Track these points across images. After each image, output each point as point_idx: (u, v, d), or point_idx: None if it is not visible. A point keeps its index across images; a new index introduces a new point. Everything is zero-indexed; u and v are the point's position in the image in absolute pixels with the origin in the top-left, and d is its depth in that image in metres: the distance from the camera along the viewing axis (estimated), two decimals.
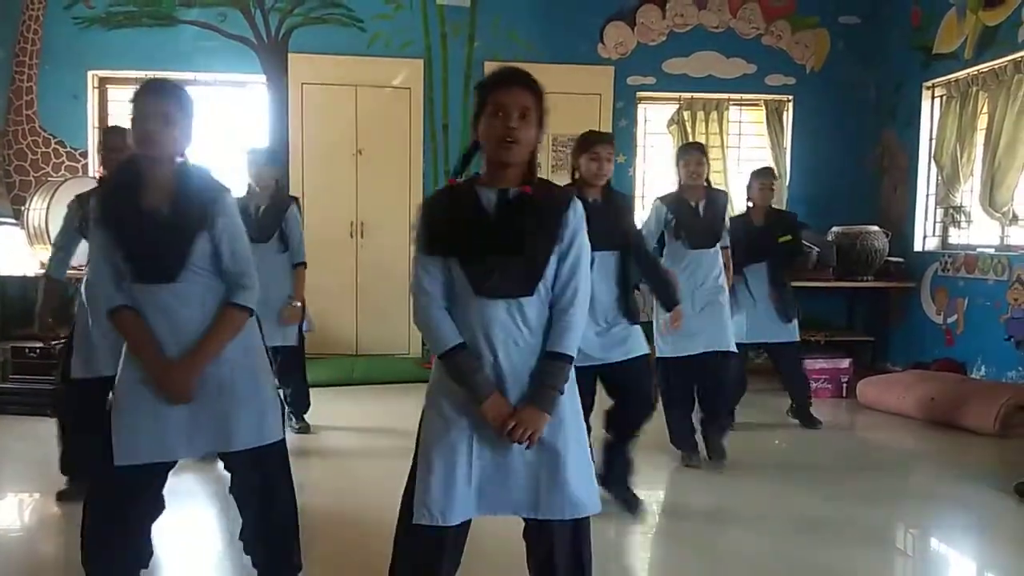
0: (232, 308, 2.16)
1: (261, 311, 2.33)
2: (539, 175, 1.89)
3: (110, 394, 2.20)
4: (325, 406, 4.95)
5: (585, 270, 1.87)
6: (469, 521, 1.88)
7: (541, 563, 1.92)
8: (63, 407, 3.48)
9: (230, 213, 2.17)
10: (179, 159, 2.16)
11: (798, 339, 4.80)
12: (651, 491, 3.58)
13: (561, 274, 1.85)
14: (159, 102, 2.08)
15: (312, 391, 4.82)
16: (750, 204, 4.73)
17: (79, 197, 3.45)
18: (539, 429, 1.79)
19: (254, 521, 2.35)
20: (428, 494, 1.80)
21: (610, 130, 6.52)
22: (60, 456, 3.49)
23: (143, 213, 2.09)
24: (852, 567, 2.89)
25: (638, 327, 3.21)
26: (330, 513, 3.36)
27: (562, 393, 1.84)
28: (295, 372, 4.45)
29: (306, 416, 4.62)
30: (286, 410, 4.32)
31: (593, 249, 2.79)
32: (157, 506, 2.27)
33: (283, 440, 2.31)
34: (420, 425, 1.91)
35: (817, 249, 6.18)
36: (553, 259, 1.83)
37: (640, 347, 3.20)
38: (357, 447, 4.40)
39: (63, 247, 3.48)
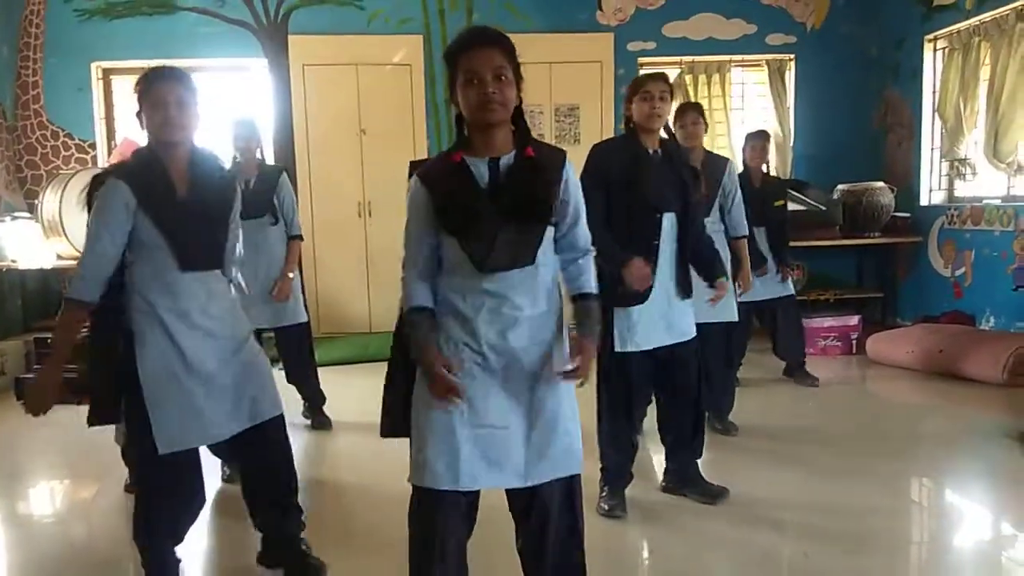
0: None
1: (260, 289, 2.47)
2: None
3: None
4: (342, 384, 5.04)
5: (583, 215, 1.92)
6: (476, 493, 1.89)
7: (534, 535, 1.91)
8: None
9: (239, 202, 2.38)
10: (192, 143, 2.26)
11: (793, 293, 4.86)
12: (658, 454, 3.64)
13: (566, 223, 1.88)
14: (173, 88, 2.15)
15: (329, 369, 4.87)
16: (745, 166, 4.79)
17: (95, 179, 3.48)
18: (594, 356, 1.87)
19: (265, 489, 2.47)
20: (425, 458, 1.81)
21: (612, 97, 6.55)
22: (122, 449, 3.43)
23: (178, 202, 2.19)
24: (867, 517, 2.94)
25: (690, 303, 2.95)
26: (348, 485, 3.47)
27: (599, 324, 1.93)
28: (305, 355, 4.22)
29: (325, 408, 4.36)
30: (303, 407, 4.34)
31: (660, 212, 2.78)
32: (200, 476, 2.40)
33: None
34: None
35: (823, 208, 6.19)
36: (552, 221, 1.84)
37: (691, 328, 2.95)
38: (375, 421, 4.47)
39: None
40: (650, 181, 2.79)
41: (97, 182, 3.38)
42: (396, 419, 1.98)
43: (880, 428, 4.11)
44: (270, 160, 6.24)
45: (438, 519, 1.85)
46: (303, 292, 4.20)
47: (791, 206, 5.26)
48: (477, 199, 1.79)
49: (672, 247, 2.85)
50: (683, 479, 3.11)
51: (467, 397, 1.81)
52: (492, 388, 1.83)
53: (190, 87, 2.20)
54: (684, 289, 2.90)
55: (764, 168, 4.80)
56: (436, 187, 1.82)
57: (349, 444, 4.09)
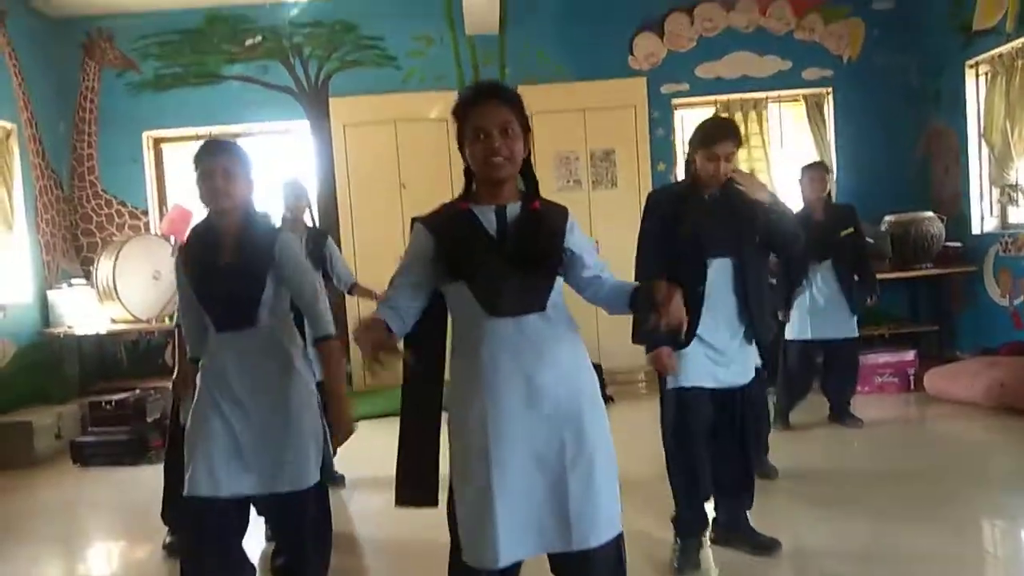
0: (320, 342, 2.39)
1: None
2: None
3: None
4: (384, 436, 5.03)
5: (592, 252, 1.93)
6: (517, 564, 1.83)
7: None
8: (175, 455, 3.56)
9: (288, 252, 2.36)
10: (244, 209, 2.37)
11: (858, 335, 4.70)
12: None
13: (588, 270, 1.89)
14: (220, 160, 2.28)
15: (370, 422, 4.84)
16: (808, 199, 4.64)
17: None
18: (674, 292, 1.76)
19: (284, 552, 2.48)
20: (467, 536, 1.79)
21: (647, 140, 6.57)
22: (163, 507, 3.43)
23: (217, 266, 2.30)
24: (933, 568, 2.79)
25: (753, 348, 2.86)
26: (387, 541, 3.44)
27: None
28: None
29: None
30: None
31: (707, 256, 2.73)
32: (235, 530, 2.39)
33: (320, 483, 2.42)
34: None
35: (871, 241, 6.04)
36: (564, 267, 1.86)
37: (751, 372, 2.86)
38: None
39: None
40: (700, 226, 2.73)
41: None
42: (414, 486, 1.95)
43: (943, 469, 3.93)
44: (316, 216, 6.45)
45: None
46: (344, 349, 4.22)
47: None
48: (485, 244, 1.80)
49: (728, 293, 2.76)
50: (733, 530, 2.99)
51: (499, 461, 1.76)
52: (521, 446, 1.77)
53: (239, 158, 2.32)
54: (746, 335, 2.80)
55: (824, 198, 4.65)
56: (442, 233, 1.83)
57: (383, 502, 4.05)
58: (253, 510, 2.46)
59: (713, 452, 2.89)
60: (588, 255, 1.90)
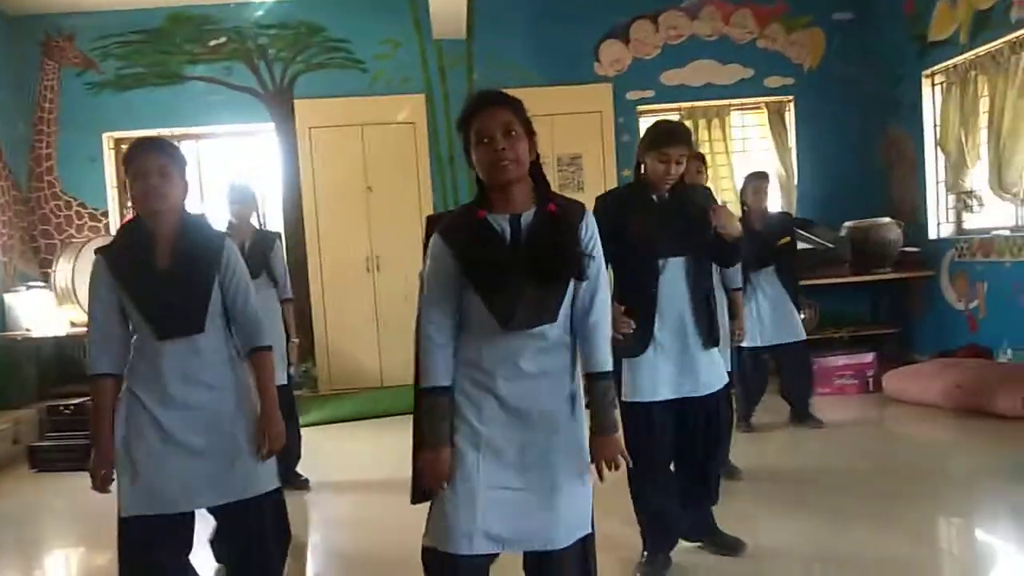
0: (260, 352, 2.27)
1: None
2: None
3: None
4: (352, 440, 5.02)
5: (604, 277, 1.91)
6: (491, 557, 1.87)
7: None
8: None
9: (235, 259, 2.27)
10: (180, 211, 2.24)
11: (804, 337, 4.77)
12: None
13: (588, 285, 1.86)
14: (155, 158, 2.15)
15: (341, 425, 4.80)
16: (745, 208, 4.70)
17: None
18: (618, 451, 1.86)
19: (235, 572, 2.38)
20: (446, 522, 1.80)
21: (613, 146, 6.63)
22: None
23: (155, 271, 2.16)
24: (893, 568, 2.83)
25: (716, 352, 2.80)
26: (355, 547, 3.43)
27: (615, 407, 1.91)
28: (288, 415, 4.15)
29: (299, 468, 4.20)
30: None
31: (659, 256, 2.69)
32: (184, 546, 2.28)
33: (278, 490, 2.33)
34: None
35: (831, 246, 6.16)
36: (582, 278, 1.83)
37: (719, 378, 2.80)
38: (385, 478, 4.37)
39: None
40: (649, 228, 2.70)
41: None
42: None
43: (901, 469, 4.01)
44: (279, 221, 6.43)
45: None
46: (308, 353, 4.19)
47: (799, 245, 5.14)
48: (500, 255, 1.79)
49: (684, 294, 2.70)
50: (698, 528, 2.99)
51: (487, 458, 1.81)
52: (512, 448, 1.83)
53: (174, 157, 2.20)
54: (707, 338, 2.73)
55: (764, 208, 4.73)
56: (459, 244, 1.82)
57: (357, 500, 4.04)
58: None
59: (677, 458, 2.84)
60: (600, 268, 1.88)
